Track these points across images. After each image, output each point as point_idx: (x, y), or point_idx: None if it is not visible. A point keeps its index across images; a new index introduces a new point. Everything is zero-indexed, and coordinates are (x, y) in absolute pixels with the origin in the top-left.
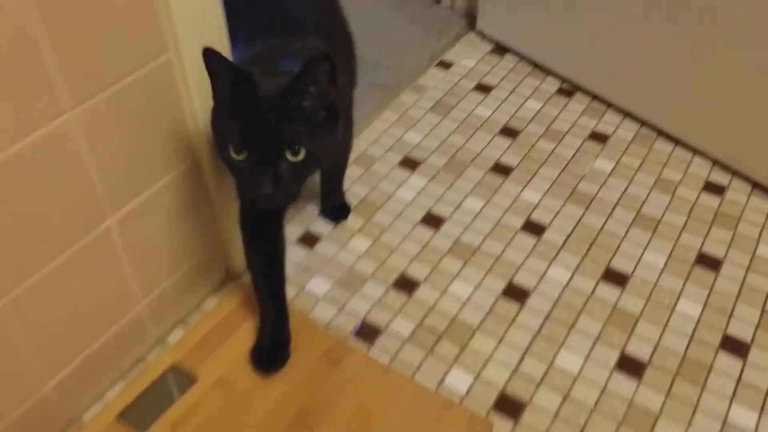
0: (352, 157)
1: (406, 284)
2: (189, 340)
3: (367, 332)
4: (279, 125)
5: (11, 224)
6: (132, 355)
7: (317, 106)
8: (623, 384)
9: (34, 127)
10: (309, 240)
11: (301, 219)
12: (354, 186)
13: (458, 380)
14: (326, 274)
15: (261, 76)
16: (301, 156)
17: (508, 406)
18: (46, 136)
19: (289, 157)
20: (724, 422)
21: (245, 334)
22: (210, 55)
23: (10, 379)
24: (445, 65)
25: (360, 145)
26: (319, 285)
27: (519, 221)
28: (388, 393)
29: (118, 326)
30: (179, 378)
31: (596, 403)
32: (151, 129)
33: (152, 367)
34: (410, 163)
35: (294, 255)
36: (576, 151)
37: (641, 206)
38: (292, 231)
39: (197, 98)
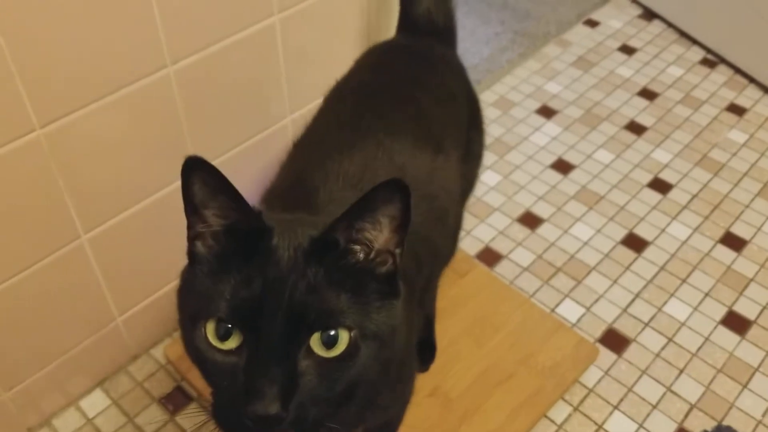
0: (492, 98)
1: (530, 220)
2: None
3: (489, 257)
4: (306, 290)
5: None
6: None
7: (372, 269)
8: (727, 337)
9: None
10: None
11: None
12: (490, 126)
13: (569, 310)
14: None
15: (281, 222)
16: (340, 348)
17: (614, 340)
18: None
19: (317, 348)
20: None
21: None
22: (196, 170)
23: None
24: (592, 23)
25: (500, 89)
26: None
27: (647, 177)
28: (506, 307)
29: None
30: None
31: (698, 349)
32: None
33: None
34: (547, 112)
35: None
36: (712, 120)
37: None
38: None
39: None
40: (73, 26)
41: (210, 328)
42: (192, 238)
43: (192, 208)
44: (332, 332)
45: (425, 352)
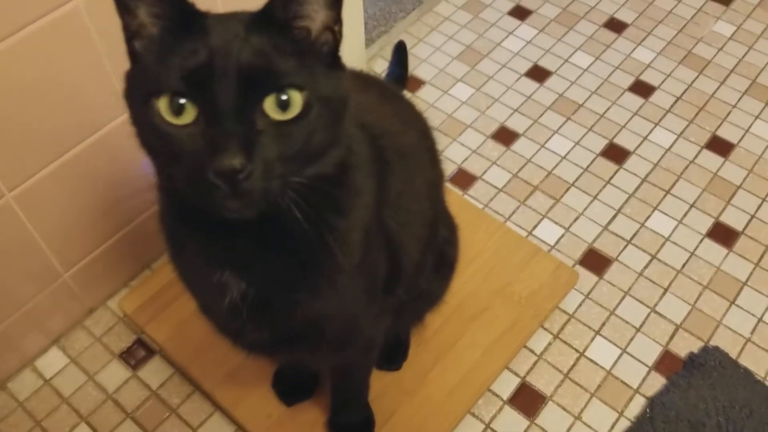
0: (461, 0)
1: (504, 135)
2: None
3: (463, 179)
4: (253, 54)
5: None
6: None
7: (316, 49)
8: (713, 250)
9: None
10: (412, 84)
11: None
12: (460, 32)
13: (548, 232)
14: None
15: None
16: (295, 109)
17: (595, 261)
18: None
19: (272, 112)
20: None
21: None
22: None
23: None
24: None
25: None
26: None
27: (628, 80)
28: (480, 234)
29: None
30: None
31: (683, 266)
32: None
33: None
34: (521, 12)
35: None
36: (697, 12)
37: (758, 75)
38: None
39: None
40: None
41: (163, 105)
42: (129, 38)
43: (123, 6)
44: (284, 96)
45: (396, 350)
